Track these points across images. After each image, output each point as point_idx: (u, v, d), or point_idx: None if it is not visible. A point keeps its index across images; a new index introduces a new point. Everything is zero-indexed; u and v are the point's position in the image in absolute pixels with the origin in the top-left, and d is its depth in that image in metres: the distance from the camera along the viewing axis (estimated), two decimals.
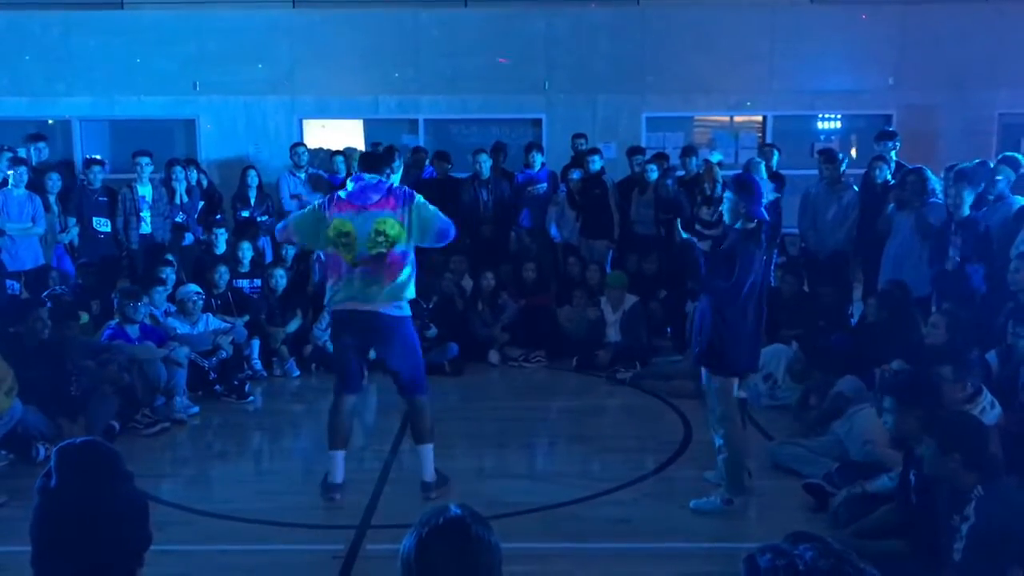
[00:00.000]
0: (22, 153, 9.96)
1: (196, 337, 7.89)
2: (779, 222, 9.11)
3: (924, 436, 3.93)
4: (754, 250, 5.04)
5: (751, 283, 5.04)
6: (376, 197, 5.25)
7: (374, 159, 5.74)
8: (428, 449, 5.50)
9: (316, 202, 5.56)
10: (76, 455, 1.97)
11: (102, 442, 2.10)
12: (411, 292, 5.36)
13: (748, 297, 5.05)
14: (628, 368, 8.31)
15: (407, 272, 5.27)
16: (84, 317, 7.72)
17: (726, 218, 5.26)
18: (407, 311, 5.41)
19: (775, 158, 9.93)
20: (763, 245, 5.14)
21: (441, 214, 5.38)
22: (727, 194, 5.21)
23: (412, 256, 5.33)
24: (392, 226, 5.18)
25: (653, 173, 9.72)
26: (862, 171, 9.19)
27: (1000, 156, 8.53)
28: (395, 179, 9.91)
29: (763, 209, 5.17)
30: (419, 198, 5.33)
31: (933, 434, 3.83)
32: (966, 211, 7.27)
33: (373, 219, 5.18)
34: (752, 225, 5.07)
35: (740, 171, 9.59)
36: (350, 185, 5.35)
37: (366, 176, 5.32)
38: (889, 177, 8.54)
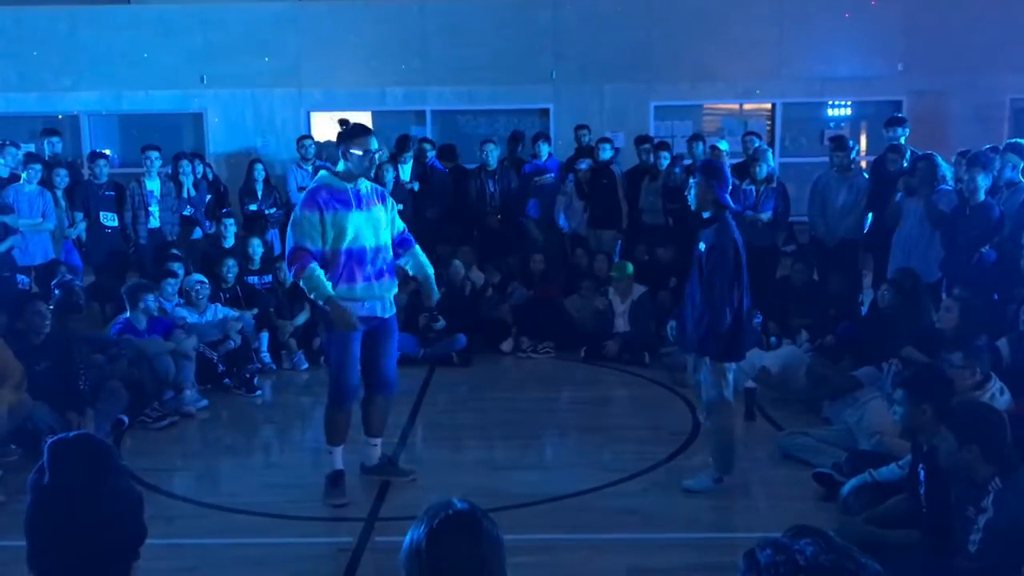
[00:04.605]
0: (26, 148, 9.98)
1: (205, 326, 7.89)
2: (787, 209, 9.06)
3: (941, 427, 3.89)
4: (729, 243, 5.04)
5: (740, 273, 5.06)
6: None
7: None
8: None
9: None
10: (68, 450, 1.95)
11: (94, 436, 2.08)
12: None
13: (739, 286, 5.06)
14: (636, 358, 8.31)
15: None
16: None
17: (692, 203, 5.23)
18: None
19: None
20: (734, 234, 5.11)
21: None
22: (695, 179, 5.19)
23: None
24: None
25: (664, 161, 9.68)
26: (872, 158, 9.12)
27: (1006, 143, 8.45)
28: (405, 170, 10.03)
29: (728, 196, 5.17)
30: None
31: (950, 425, 3.78)
32: (981, 196, 7.21)
33: None
34: (719, 214, 5.10)
35: (742, 159, 9.60)
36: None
37: None
38: (905, 164, 8.47)
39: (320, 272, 4.97)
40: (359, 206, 5.08)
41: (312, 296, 5.03)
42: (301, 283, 5.07)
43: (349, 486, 5.44)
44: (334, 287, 5.00)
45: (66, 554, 1.88)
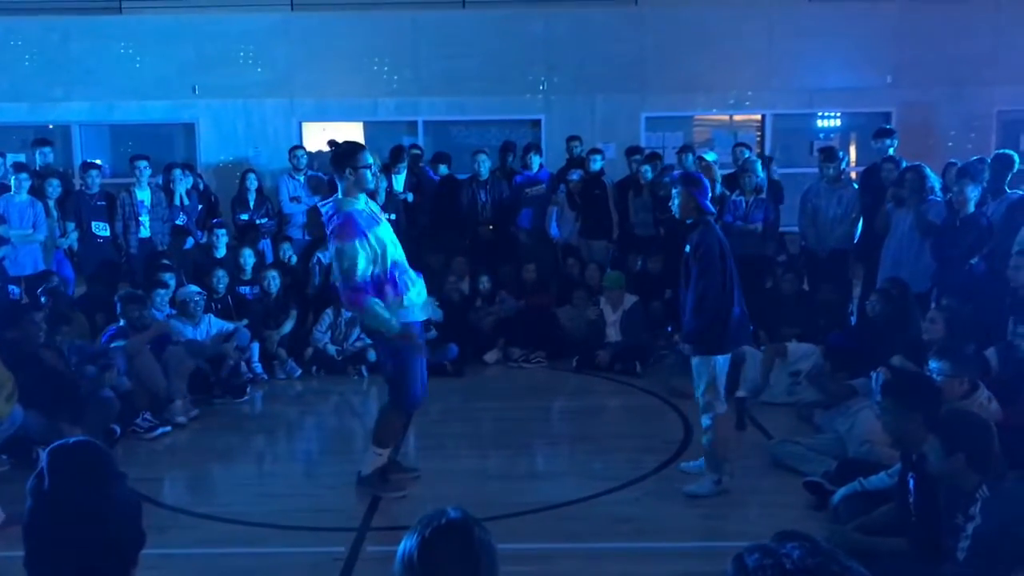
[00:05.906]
0: (16, 158, 9.97)
1: (201, 344, 7.89)
2: (777, 219, 9.11)
3: (929, 436, 3.91)
4: (714, 242, 5.25)
5: (726, 270, 5.24)
6: None
7: None
8: (371, 450, 5.58)
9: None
10: (68, 456, 1.97)
11: (94, 442, 2.09)
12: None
13: (725, 283, 5.24)
14: (628, 368, 8.33)
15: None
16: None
17: (676, 212, 5.47)
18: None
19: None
20: (719, 234, 5.34)
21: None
22: (676, 189, 5.42)
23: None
24: None
25: (648, 174, 9.71)
26: (861, 169, 9.17)
27: (994, 154, 8.52)
28: (399, 180, 10.05)
29: (708, 202, 5.40)
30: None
31: (937, 433, 3.81)
32: (971, 208, 7.28)
33: None
34: (702, 219, 5.32)
35: (733, 170, 9.67)
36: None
37: None
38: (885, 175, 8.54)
39: (380, 306, 5.07)
40: (378, 221, 5.25)
41: (381, 331, 5.13)
42: (364, 320, 5.22)
43: (341, 496, 5.45)
44: (392, 300, 5.12)
45: (65, 559, 1.89)
